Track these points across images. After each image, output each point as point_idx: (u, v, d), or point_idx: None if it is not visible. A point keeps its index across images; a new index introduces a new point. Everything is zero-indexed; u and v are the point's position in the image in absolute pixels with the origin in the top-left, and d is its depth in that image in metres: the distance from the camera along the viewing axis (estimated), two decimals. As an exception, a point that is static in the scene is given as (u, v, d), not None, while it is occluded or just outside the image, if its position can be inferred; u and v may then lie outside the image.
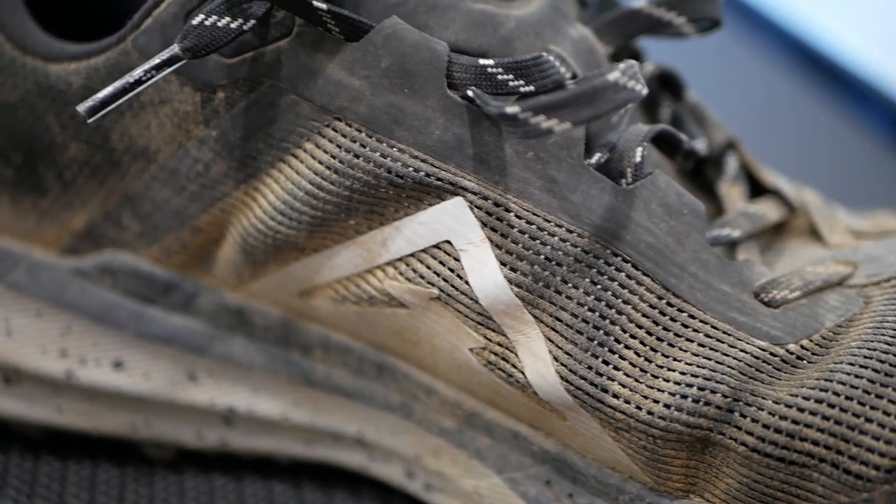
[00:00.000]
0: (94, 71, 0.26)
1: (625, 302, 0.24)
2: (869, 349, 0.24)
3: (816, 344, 0.24)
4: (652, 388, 0.24)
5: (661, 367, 0.24)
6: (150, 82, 0.24)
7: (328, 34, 0.25)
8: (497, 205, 0.24)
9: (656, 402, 0.24)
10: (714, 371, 0.24)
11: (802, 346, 0.24)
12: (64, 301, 0.28)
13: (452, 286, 0.25)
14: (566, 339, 0.24)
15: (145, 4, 0.25)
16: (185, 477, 0.30)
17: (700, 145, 0.28)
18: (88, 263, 0.28)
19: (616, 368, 0.24)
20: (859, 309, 0.25)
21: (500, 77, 0.24)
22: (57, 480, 0.29)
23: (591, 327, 0.24)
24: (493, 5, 0.26)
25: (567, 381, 0.24)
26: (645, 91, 0.23)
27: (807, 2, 0.62)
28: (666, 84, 0.29)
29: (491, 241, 0.25)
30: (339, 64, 0.25)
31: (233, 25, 0.24)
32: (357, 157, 0.25)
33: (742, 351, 0.24)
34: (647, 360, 0.24)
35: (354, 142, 0.25)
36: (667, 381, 0.24)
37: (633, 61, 0.23)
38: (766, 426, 0.23)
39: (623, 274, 0.24)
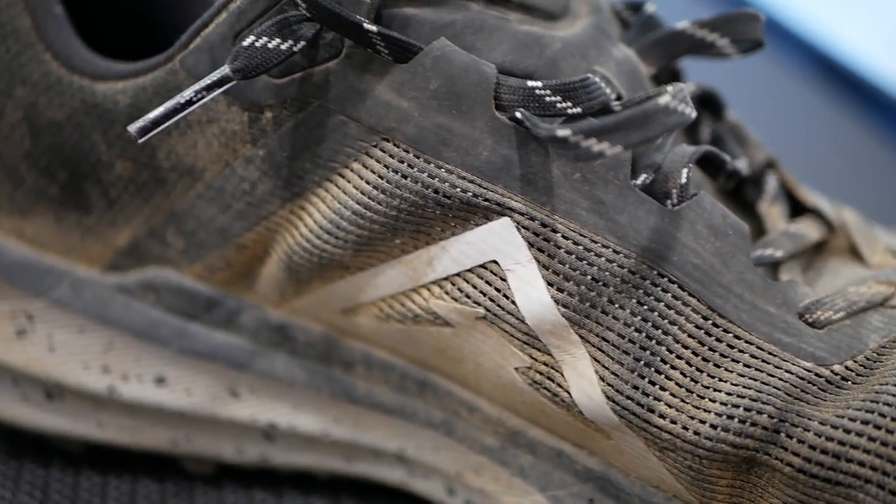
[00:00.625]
0: (142, 90, 0.26)
1: (671, 322, 0.24)
2: (914, 370, 0.24)
3: (861, 365, 0.25)
4: (698, 408, 0.24)
5: (707, 387, 0.24)
6: (200, 103, 0.25)
7: (377, 56, 0.25)
8: (544, 225, 0.25)
9: (703, 422, 0.24)
10: (760, 392, 0.24)
11: (847, 367, 0.24)
12: (107, 317, 0.28)
13: (499, 306, 0.25)
14: (612, 359, 0.25)
15: (194, 24, 0.26)
16: (225, 492, 0.30)
17: (742, 165, 0.28)
18: (131, 280, 0.28)
19: (662, 388, 0.24)
20: (903, 330, 0.25)
21: (547, 99, 0.24)
22: (97, 495, 0.29)
23: (638, 347, 0.24)
24: (538, 26, 0.26)
25: (613, 400, 0.25)
26: (694, 114, 0.23)
27: (839, 21, 0.62)
28: (706, 104, 0.30)
29: (538, 261, 0.25)
30: (388, 85, 0.25)
31: (283, 47, 0.24)
32: (405, 177, 0.25)
33: (787, 372, 0.24)
34: (693, 380, 0.24)
35: (402, 162, 0.25)
36: (713, 401, 0.24)
37: (681, 84, 0.23)
38: (812, 447, 0.24)
39: (669, 294, 0.25)
